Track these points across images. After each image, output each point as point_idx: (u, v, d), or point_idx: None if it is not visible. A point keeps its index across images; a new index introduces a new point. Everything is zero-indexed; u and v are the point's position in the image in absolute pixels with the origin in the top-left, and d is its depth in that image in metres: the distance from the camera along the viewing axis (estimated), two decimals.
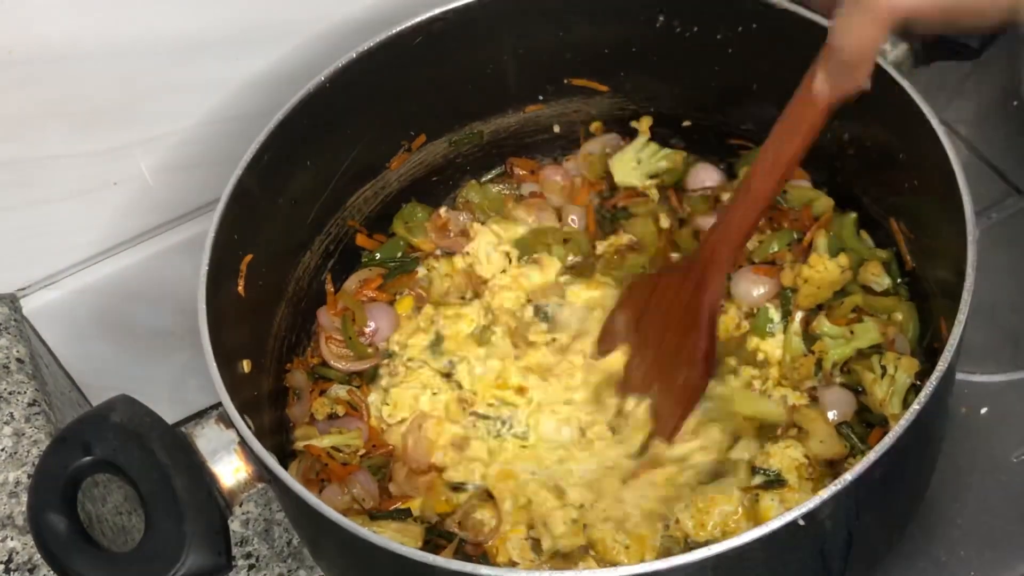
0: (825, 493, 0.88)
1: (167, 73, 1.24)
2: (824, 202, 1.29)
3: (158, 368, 1.50)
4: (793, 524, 0.87)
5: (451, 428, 1.24)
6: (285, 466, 1.04)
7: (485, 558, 1.15)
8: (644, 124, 1.37)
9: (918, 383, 1.14)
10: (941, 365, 0.94)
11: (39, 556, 0.98)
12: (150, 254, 1.40)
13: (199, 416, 1.45)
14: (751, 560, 0.90)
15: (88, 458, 0.98)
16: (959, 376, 1.24)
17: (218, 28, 1.23)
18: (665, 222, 1.35)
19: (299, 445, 1.22)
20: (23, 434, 1.25)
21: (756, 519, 1.11)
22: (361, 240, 1.36)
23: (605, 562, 1.12)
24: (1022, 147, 1.51)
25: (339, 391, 1.27)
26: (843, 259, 1.23)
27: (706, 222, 1.33)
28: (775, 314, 1.25)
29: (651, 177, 1.37)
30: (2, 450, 1.24)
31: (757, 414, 1.19)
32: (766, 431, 1.18)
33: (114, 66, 1.21)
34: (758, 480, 1.13)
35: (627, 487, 1.16)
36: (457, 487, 1.20)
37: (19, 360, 1.32)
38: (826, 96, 0.89)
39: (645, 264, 1.32)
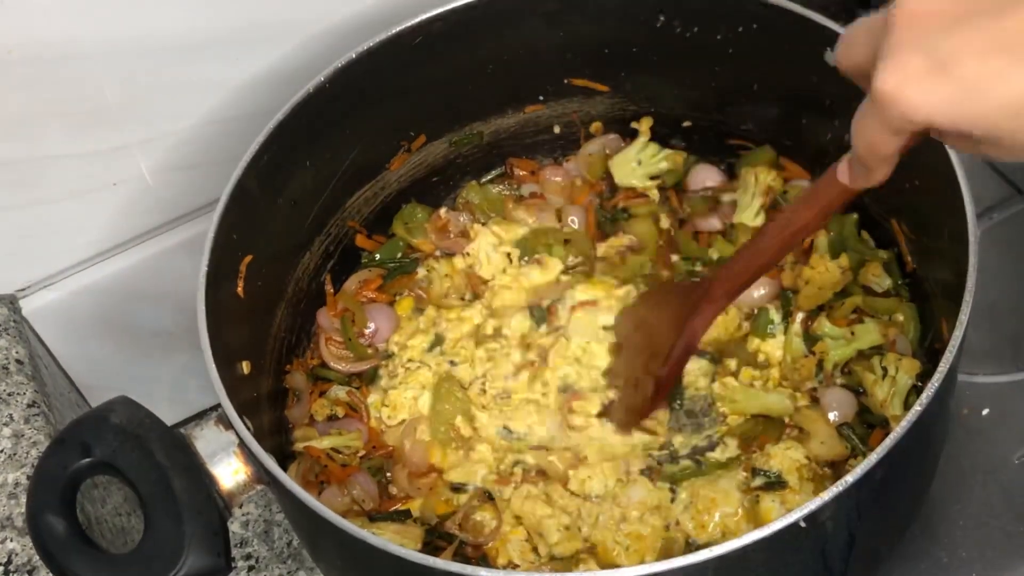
0: (826, 494, 0.88)
1: (167, 73, 1.24)
2: None
3: (157, 369, 1.50)
4: (794, 525, 0.87)
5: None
6: (284, 468, 1.04)
7: (485, 560, 1.15)
8: (644, 125, 1.37)
9: (919, 384, 1.14)
10: (942, 366, 0.94)
11: (38, 558, 0.98)
12: (150, 255, 1.39)
13: (198, 417, 1.45)
14: (752, 561, 0.90)
15: (87, 459, 0.98)
16: (960, 377, 1.24)
17: (218, 28, 1.23)
18: (665, 223, 1.35)
19: (298, 446, 1.22)
20: (22, 435, 1.25)
21: (757, 520, 1.11)
22: (361, 241, 1.36)
23: (606, 564, 1.12)
24: None
25: (339, 392, 1.27)
26: (844, 260, 1.23)
27: (706, 223, 1.33)
28: (776, 315, 1.24)
29: (651, 178, 1.37)
30: (1, 451, 1.24)
31: (762, 409, 1.19)
32: (772, 429, 1.18)
33: (114, 66, 1.20)
34: (759, 481, 1.13)
35: (627, 487, 1.16)
36: (457, 488, 1.20)
37: (18, 361, 1.31)
38: (846, 183, 0.88)
39: (645, 264, 1.32)
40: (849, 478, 0.89)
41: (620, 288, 1.30)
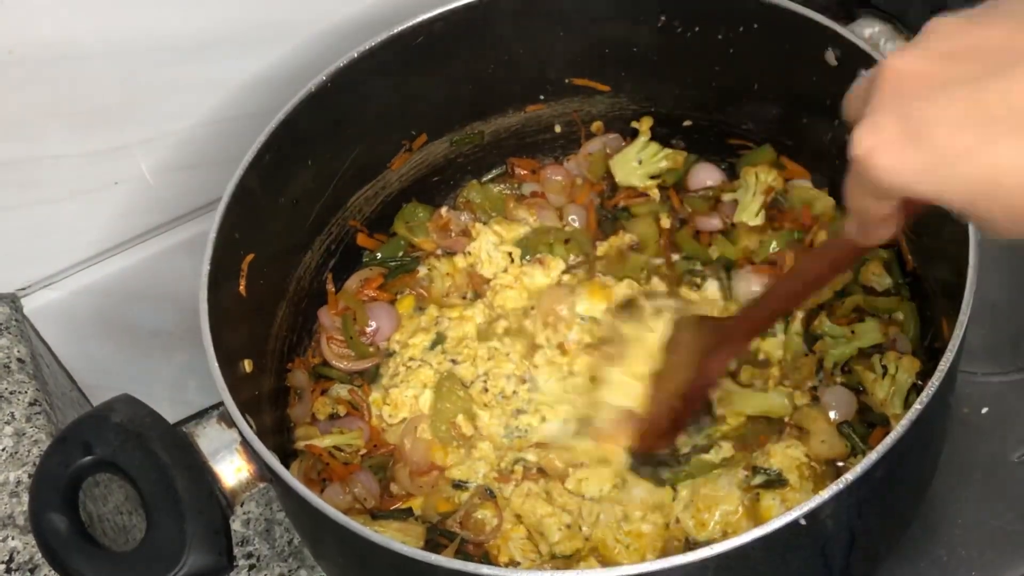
0: (826, 493, 0.88)
1: (167, 73, 1.24)
2: (825, 202, 1.29)
3: (159, 368, 1.50)
4: (794, 524, 0.87)
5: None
6: (286, 466, 1.04)
7: (487, 558, 1.15)
8: (645, 124, 1.37)
9: (919, 383, 1.14)
10: (942, 365, 0.94)
11: (40, 556, 0.98)
12: (151, 254, 1.39)
13: (200, 416, 1.44)
14: (752, 560, 0.90)
15: (89, 458, 0.98)
16: (960, 376, 1.24)
17: (218, 28, 1.23)
18: (666, 222, 1.35)
19: (300, 445, 1.22)
20: (24, 434, 1.25)
21: (757, 519, 1.11)
22: (362, 240, 1.36)
23: (607, 562, 1.12)
24: None
25: (340, 391, 1.27)
26: None
27: (707, 222, 1.33)
28: None
29: (652, 177, 1.37)
30: (3, 450, 1.24)
31: (761, 411, 1.19)
32: (772, 431, 1.18)
33: (114, 66, 1.20)
34: (759, 480, 1.13)
35: (626, 485, 1.17)
36: (459, 485, 1.20)
37: (20, 360, 1.31)
38: (853, 241, 0.87)
39: (646, 264, 1.32)
40: (849, 476, 0.89)
41: (619, 284, 1.30)
